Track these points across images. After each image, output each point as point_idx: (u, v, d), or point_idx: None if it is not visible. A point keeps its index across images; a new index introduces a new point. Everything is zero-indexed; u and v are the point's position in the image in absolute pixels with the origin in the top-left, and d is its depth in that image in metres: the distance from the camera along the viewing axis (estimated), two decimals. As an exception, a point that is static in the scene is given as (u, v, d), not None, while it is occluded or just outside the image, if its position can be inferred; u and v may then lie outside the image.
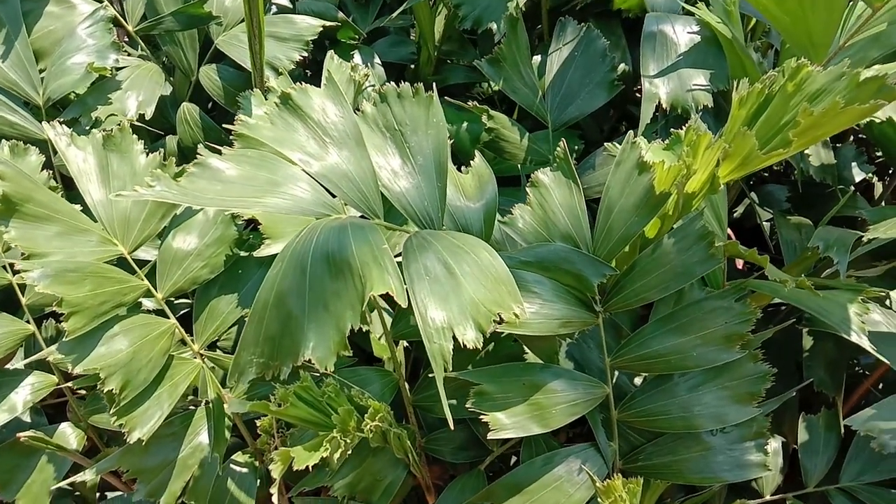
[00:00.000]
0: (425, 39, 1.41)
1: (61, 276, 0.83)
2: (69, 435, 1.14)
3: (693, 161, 0.77)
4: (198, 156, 0.72)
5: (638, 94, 1.53)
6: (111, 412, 0.87)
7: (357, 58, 1.32)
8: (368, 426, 0.79)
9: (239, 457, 1.09)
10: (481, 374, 0.92)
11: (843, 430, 1.08)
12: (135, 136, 0.94)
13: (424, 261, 0.73)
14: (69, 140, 0.92)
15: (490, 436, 0.90)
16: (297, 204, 0.72)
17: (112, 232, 0.92)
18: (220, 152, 0.73)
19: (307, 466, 1.14)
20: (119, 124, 0.93)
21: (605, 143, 1.00)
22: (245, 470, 1.07)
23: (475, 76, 1.46)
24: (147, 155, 0.95)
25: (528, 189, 0.90)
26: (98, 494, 1.25)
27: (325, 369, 0.67)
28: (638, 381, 1.03)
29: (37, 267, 0.82)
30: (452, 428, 0.72)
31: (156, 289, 0.95)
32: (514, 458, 1.26)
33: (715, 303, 0.87)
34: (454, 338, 0.70)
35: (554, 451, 0.97)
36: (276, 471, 0.72)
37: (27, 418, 1.22)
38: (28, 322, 1.06)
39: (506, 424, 0.89)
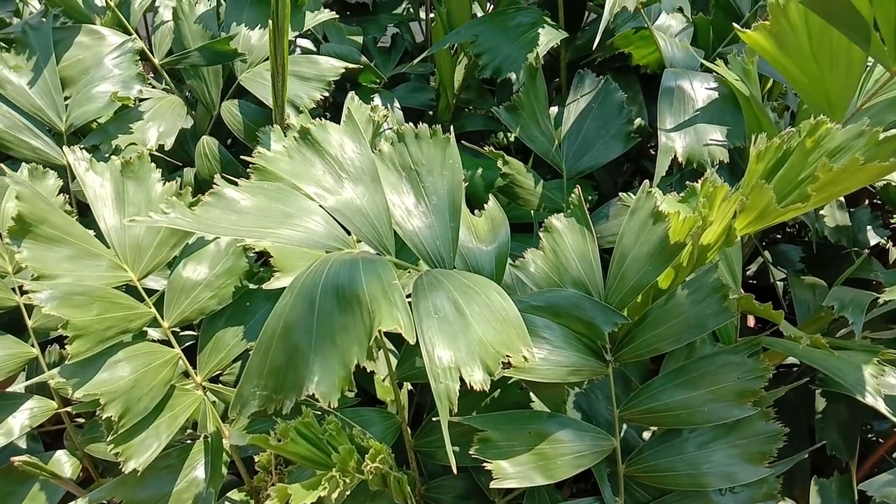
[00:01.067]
0: (445, 87, 1.43)
1: (69, 299, 0.83)
2: (64, 463, 1.12)
3: (709, 212, 0.77)
4: (214, 185, 0.72)
5: (653, 150, 1.54)
6: (108, 440, 0.85)
7: (377, 101, 1.33)
8: (369, 467, 0.77)
9: (234, 495, 1.06)
10: (486, 420, 0.91)
11: (856, 497, 1.05)
12: (153, 165, 0.95)
13: (434, 299, 0.73)
14: (88, 165, 0.93)
15: (493, 485, 0.88)
16: (310, 237, 0.72)
17: (123, 258, 0.92)
18: (236, 184, 0.73)
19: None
20: (139, 153, 0.93)
21: (620, 194, 1.00)
22: (240, 509, 1.05)
23: (492, 125, 1.48)
24: (164, 184, 0.95)
25: (540, 234, 0.90)
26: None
27: (329, 405, 0.66)
28: (646, 435, 1.00)
29: (45, 288, 0.82)
30: (455, 472, 0.71)
31: (163, 317, 0.94)
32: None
33: (727, 357, 0.85)
34: (461, 380, 0.69)
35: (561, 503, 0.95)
36: (298, 498, 0.70)
37: (23, 444, 1.21)
38: (33, 346, 1.05)
39: (510, 473, 0.87)
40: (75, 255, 0.87)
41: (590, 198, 1.16)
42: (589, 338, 0.85)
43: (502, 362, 0.68)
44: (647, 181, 0.84)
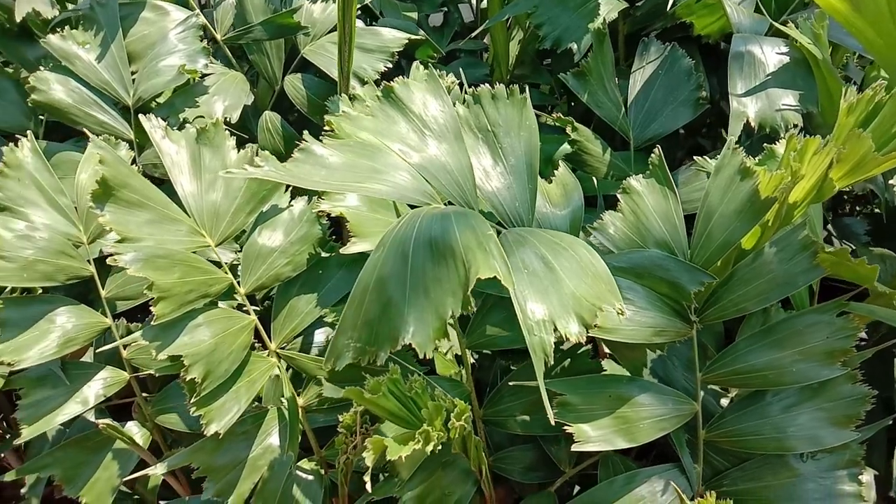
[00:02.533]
0: (499, 61, 1.43)
1: (152, 262, 0.83)
2: (135, 434, 1.13)
3: (800, 166, 0.75)
4: (302, 142, 0.72)
5: (706, 129, 1.52)
6: (191, 402, 0.86)
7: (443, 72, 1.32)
8: (455, 425, 0.76)
9: (305, 464, 1.07)
10: (565, 384, 0.90)
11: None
12: (227, 132, 0.96)
13: (522, 255, 0.72)
14: (164, 133, 0.94)
15: (574, 448, 0.87)
16: (398, 191, 0.72)
17: (201, 224, 0.92)
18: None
19: (378, 477, 1.13)
20: (214, 120, 0.94)
21: (695, 157, 0.98)
22: (311, 478, 1.05)
23: (547, 99, 1.46)
24: (238, 151, 0.96)
25: (619, 195, 0.89)
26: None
27: (424, 356, 0.66)
28: (724, 402, 0.99)
29: (129, 250, 0.82)
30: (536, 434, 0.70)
31: (239, 283, 0.95)
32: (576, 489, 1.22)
33: (815, 317, 0.84)
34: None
35: (636, 471, 0.94)
36: (368, 459, 0.70)
37: (91, 417, 1.22)
38: (105, 315, 1.06)
39: (591, 437, 0.86)
40: (155, 219, 0.88)
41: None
42: (673, 298, 0.84)
43: (597, 314, 0.67)
44: (731, 138, 0.82)
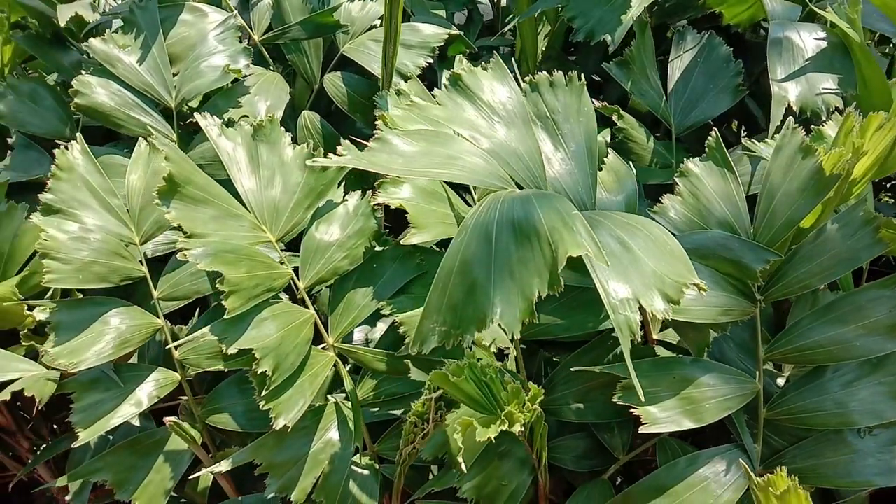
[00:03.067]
0: (527, 56, 1.44)
1: (220, 256, 0.84)
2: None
3: (862, 142, 0.77)
4: (377, 132, 0.73)
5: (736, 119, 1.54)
6: (262, 395, 0.86)
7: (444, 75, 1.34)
8: (532, 408, 0.77)
9: (359, 459, 1.07)
10: (627, 367, 0.90)
11: None
12: (282, 129, 0.96)
13: (598, 236, 0.73)
14: (220, 130, 0.94)
15: (642, 430, 0.88)
16: (475, 175, 0.72)
17: (261, 219, 0.93)
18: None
19: (428, 473, 1.13)
20: (270, 116, 0.95)
21: (743, 140, 1.00)
22: (366, 472, 1.06)
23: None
24: (293, 147, 0.96)
25: (676, 179, 0.90)
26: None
27: (512, 337, 0.66)
28: (780, 381, 1.00)
29: (198, 245, 0.83)
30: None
31: (298, 278, 0.95)
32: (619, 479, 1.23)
33: (876, 293, 0.85)
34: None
35: (698, 453, 0.95)
36: (455, 441, 0.71)
37: (136, 422, 1.22)
38: (157, 316, 1.06)
39: (659, 418, 0.87)
40: (219, 215, 0.88)
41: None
42: (737, 278, 0.85)
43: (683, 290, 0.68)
44: (790, 118, 0.84)
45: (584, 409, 1.06)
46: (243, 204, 0.93)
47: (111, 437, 1.25)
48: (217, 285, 0.82)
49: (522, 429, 0.73)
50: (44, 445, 1.45)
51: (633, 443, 1.09)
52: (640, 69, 1.14)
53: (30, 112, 1.28)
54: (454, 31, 1.21)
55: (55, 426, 1.53)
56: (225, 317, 0.83)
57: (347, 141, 0.70)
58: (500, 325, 0.67)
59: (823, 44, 1.09)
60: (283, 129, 0.97)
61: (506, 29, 1.31)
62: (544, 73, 0.87)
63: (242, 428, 1.10)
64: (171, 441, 1.12)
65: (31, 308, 1.18)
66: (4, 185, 1.15)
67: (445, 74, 0.94)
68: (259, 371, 0.85)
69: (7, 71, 1.31)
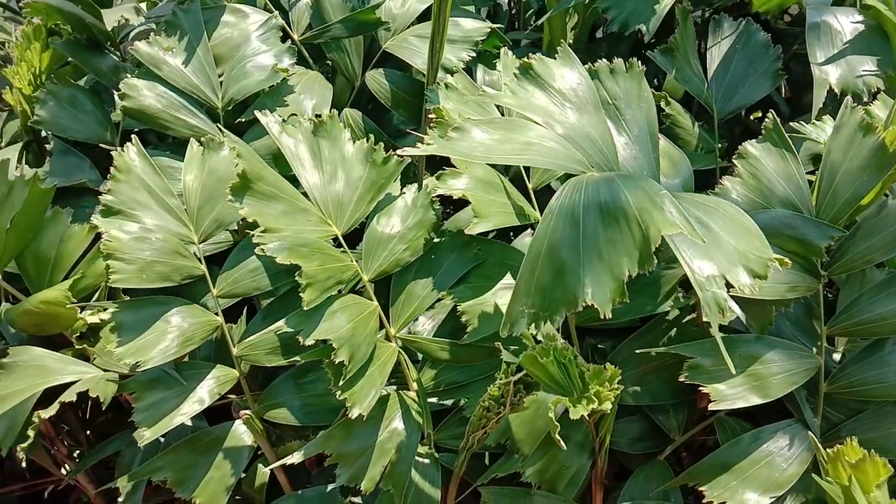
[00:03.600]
0: (555, 49, 1.45)
1: (296, 250, 0.85)
2: (243, 433, 1.14)
3: (923, 119, 0.79)
4: (458, 122, 0.75)
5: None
6: (339, 384, 0.87)
7: (499, 66, 1.35)
8: (613, 388, 0.79)
9: (420, 448, 1.08)
10: (695, 347, 0.93)
11: None
12: (342, 124, 0.98)
13: (676, 217, 0.75)
14: (280, 127, 0.95)
15: (711, 407, 0.90)
16: (555, 159, 0.74)
17: (326, 213, 0.94)
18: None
19: (483, 461, 1.14)
20: (329, 113, 0.96)
21: (791, 123, 1.02)
22: (427, 461, 1.07)
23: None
24: (353, 142, 0.98)
25: (735, 161, 0.92)
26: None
27: (603, 316, 0.68)
28: (836, 356, 1.02)
29: (273, 240, 0.84)
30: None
31: (362, 270, 0.97)
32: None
33: (938, 265, 0.87)
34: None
35: (761, 429, 0.97)
36: (546, 417, 0.72)
37: (188, 422, 1.23)
38: (217, 314, 1.07)
39: (727, 395, 0.89)
40: (289, 210, 0.90)
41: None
42: (802, 255, 0.87)
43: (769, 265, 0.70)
44: (848, 97, 0.86)
45: (641, 391, 1.08)
46: (308, 199, 0.94)
47: (162, 439, 1.26)
48: (297, 277, 0.83)
49: (609, 406, 0.75)
50: (78, 451, 1.45)
51: (688, 423, 1.11)
52: (682, 56, 1.16)
53: (70, 117, 1.28)
54: (493, 25, 1.23)
55: (87, 431, 1.53)
56: (304, 308, 0.84)
57: (432, 131, 0.71)
58: (592, 304, 0.68)
59: (861, 27, 1.12)
60: (342, 124, 0.98)
61: (540, 21, 1.32)
62: (604, 60, 0.89)
63: (300, 422, 1.11)
64: (231, 438, 1.13)
65: (82, 310, 1.19)
66: (51, 191, 1.15)
67: (513, 65, 0.96)
68: (337, 361, 0.86)
69: (44, 77, 1.32)
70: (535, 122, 0.77)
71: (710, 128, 1.16)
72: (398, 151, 0.74)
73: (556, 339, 0.78)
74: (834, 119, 1.04)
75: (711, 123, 1.16)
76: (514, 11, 1.73)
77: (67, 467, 1.46)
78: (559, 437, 0.74)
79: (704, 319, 1.11)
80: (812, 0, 1.18)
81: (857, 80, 1.08)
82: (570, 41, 1.49)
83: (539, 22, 1.34)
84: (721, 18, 1.22)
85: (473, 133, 0.74)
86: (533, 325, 0.71)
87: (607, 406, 0.74)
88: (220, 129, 0.90)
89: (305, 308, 0.84)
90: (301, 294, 0.84)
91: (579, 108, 0.80)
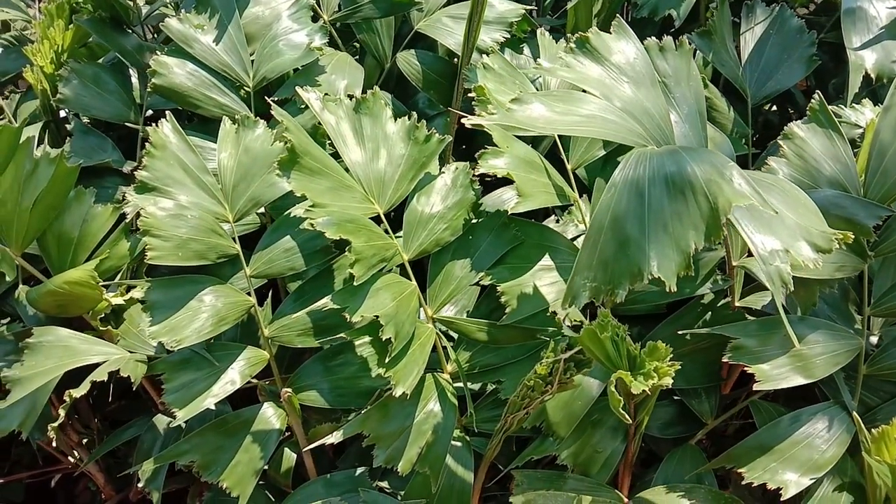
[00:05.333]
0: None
1: (343, 226, 0.84)
2: (270, 416, 1.13)
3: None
4: (518, 94, 0.74)
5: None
6: (385, 362, 0.86)
7: (526, 51, 1.35)
8: (672, 364, 0.78)
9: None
10: (737, 328, 0.93)
11: None
12: (383, 101, 0.97)
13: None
14: (321, 104, 0.94)
15: (756, 387, 0.90)
16: (617, 132, 0.74)
17: (369, 191, 0.93)
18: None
19: (512, 446, 1.13)
20: (372, 90, 0.95)
21: (830, 108, 1.02)
22: (459, 444, 1.06)
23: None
24: (394, 120, 0.97)
25: (780, 142, 0.92)
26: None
27: (669, 289, 0.68)
28: (873, 339, 1.02)
29: (321, 214, 0.83)
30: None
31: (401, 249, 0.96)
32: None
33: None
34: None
35: (800, 410, 0.97)
36: (616, 393, 0.72)
37: (212, 406, 1.21)
38: (249, 294, 1.06)
39: (772, 375, 0.89)
40: (333, 186, 0.89)
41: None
42: (850, 234, 0.87)
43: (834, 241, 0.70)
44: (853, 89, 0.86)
45: (675, 375, 1.07)
46: (351, 176, 0.93)
47: (183, 425, 1.25)
48: (347, 253, 0.82)
49: (670, 382, 0.74)
50: (86, 439, 1.43)
51: (721, 408, 1.12)
52: (719, 39, 1.16)
53: (94, 96, 1.27)
54: (527, 6, 1.22)
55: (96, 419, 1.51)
56: (354, 284, 0.84)
57: (502, 99, 0.70)
58: (657, 276, 0.68)
59: None
60: (384, 101, 0.97)
61: (570, 5, 1.32)
62: (653, 38, 0.88)
63: (330, 405, 1.10)
64: (259, 421, 1.12)
65: (108, 290, 1.18)
66: (76, 169, 1.13)
67: (551, 45, 0.95)
68: (384, 337, 0.85)
69: (65, 56, 1.30)
70: (594, 95, 0.77)
71: (743, 112, 1.16)
72: (463, 121, 0.73)
73: (607, 315, 0.77)
74: (872, 103, 1.05)
75: (745, 108, 1.16)
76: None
77: (77, 454, 1.44)
78: (623, 412, 0.73)
79: (737, 305, 1.12)
80: (845, -14, 1.18)
81: (893, 65, 1.09)
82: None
83: (570, 5, 1.33)
84: (754, 3, 1.22)
85: (534, 105, 0.74)
86: (594, 298, 0.70)
87: (667, 381, 0.74)
88: (270, 102, 0.88)
89: (356, 283, 0.83)
90: (350, 269, 0.83)
91: (636, 82, 0.80)
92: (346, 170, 0.93)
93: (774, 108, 1.54)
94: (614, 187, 0.71)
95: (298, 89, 0.94)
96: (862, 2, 1.12)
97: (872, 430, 0.92)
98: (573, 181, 1.03)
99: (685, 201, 0.68)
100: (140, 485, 1.19)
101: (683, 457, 1.09)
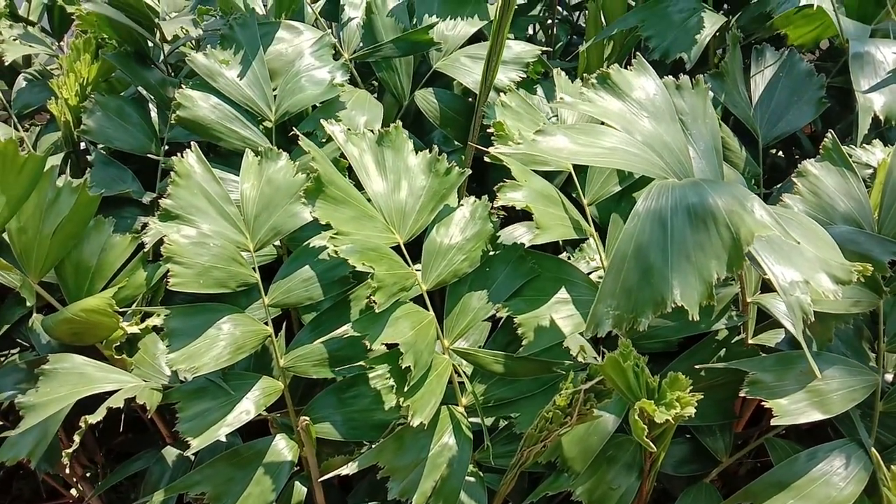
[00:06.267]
0: (591, 79, 1.49)
1: (366, 254, 0.85)
2: (283, 448, 1.12)
3: None
4: (541, 126, 0.76)
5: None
6: (403, 391, 0.87)
7: (539, 91, 1.38)
8: (694, 395, 0.79)
9: (464, 467, 1.07)
10: (754, 363, 0.93)
11: None
12: (405, 134, 0.99)
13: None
14: (346, 136, 0.96)
15: (773, 422, 0.90)
16: (639, 164, 0.76)
17: (390, 221, 0.95)
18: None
19: (523, 482, 1.13)
20: (395, 125, 0.97)
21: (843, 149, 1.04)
22: (473, 480, 1.06)
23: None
24: (416, 153, 0.99)
25: (794, 179, 0.94)
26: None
27: (691, 317, 0.69)
28: (888, 377, 1.03)
29: (345, 242, 0.84)
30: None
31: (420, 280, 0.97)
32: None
33: None
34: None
35: (817, 448, 0.97)
36: (640, 422, 0.72)
37: (223, 438, 1.21)
38: (266, 324, 1.07)
39: (789, 410, 0.89)
40: (356, 216, 0.90)
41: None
42: (865, 271, 0.88)
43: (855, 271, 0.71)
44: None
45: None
46: (373, 206, 0.94)
47: (192, 457, 1.24)
48: (369, 280, 0.83)
49: (692, 411, 0.75)
50: (90, 473, 1.42)
51: (735, 446, 1.11)
52: (731, 81, 1.19)
53: (117, 128, 1.29)
54: (542, 48, 1.26)
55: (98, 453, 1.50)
56: (375, 311, 0.84)
57: (528, 134, 0.72)
58: (680, 304, 0.69)
59: (903, 58, 1.15)
60: (405, 134, 0.99)
61: (583, 48, 1.35)
62: (670, 77, 0.91)
63: (343, 437, 1.09)
64: (271, 452, 1.11)
65: (124, 319, 1.18)
66: (97, 198, 1.15)
67: (566, 85, 0.98)
68: (404, 365, 0.86)
69: (90, 89, 1.32)
70: (615, 129, 0.79)
71: (754, 153, 1.18)
72: (491, 150, 0.75)
73: (628, 346, 0.78)
74: (883, 144, 1.07)
75: (756, 149, 1.19)
76: (544, 42, 1.77)
77: (80, 487, 1.43)
78: (647, 440, 0.73)
79: (750, 342, 1.12)
80: (852, 33, 1.21)
81: (901, 109, 1.11)
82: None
83: (584, 48, 1.37)
84: (763, 48, 1.26)
85: (557, 137, 0.76)
86: (617, 326, 0.71)
87: (690, 411, 0.74)
88: (297, 133, 0.91)
89: (377, 311, 0.84)
90: (372, 297, 0.84)
91: (656, 117, 0.82)
92: (369, 200, 0.95)
93: (781, 153, 1.57)
94: (637, 217, 0.72)
95: (323, 122, 0.96)
96: (869, 46, 1.15)
97: (893, 466, 0.92)
98: (588, 217, 1.05)
99: (707, 231, 0.70)
100: (148, 516, 1.18)
101: (699, 495, 1.08)
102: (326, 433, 1.10)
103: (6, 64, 1.49)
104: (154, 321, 1.10)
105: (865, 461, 0.95)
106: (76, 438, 1.00)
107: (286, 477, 1.11)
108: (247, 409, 1.05)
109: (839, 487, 0.93)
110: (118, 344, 1.17)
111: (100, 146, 1.35)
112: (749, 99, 1.21)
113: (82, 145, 1.43)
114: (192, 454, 1.16)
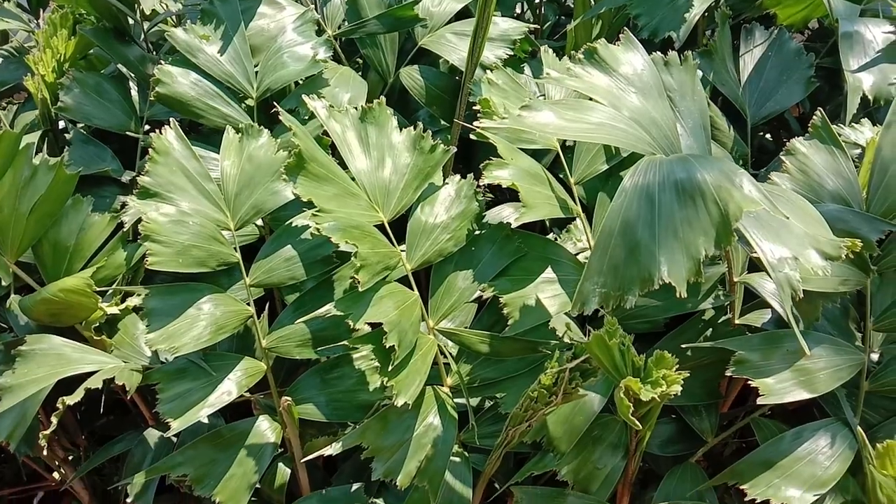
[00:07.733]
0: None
1: (349, 232, 0.84)
2: (265, 429, 1.11)
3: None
4: (527, 100, 0.74)
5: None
6: (387, 370, 0.85)
7: (527, 70, 1.36)
8: (670, 376, 0.78)
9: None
10: (740, 342, 0.93)
11: None
12: (389, 111, 0.97)
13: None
14: (328, 112, 0.94)
15: (759, 401, 0.90)
16: (626, 139, 0.74)
17: (374, 199, 0.93)
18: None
19: (509, 462, 1.12)
20: (378, 101, 0.95)
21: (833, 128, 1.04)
22: (458, 460, 1.05)
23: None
24: (399, 130, 0.97)
25: (783, 157, 0.93)
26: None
27: (679, 294, 0.68)
28: (874, 356, 1.02)
29: (327, 220, 0.83)
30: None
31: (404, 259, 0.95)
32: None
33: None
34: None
35: (802, 427, 0.97)
36: (625, 400, 0.71)
37: (205, 419, 1.19)
38: (248, 304, 1.05)
39: (776, 389, 0.89)
40: (339, 193, 0.88)
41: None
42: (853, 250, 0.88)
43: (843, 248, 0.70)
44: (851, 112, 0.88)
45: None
46: (356, 184, 0.93)
47: (174, 439, 1.22)
48: (353, 259, 0.81)
49: (679, 389, 0.74)
50: (72, 456, 1.40)
51: (721, 426, 1.11)
52: (720, 60, 1.18)
53: (95, 105, 1.26)
54: (529, 26, 1.24)
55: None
56: (358, 290, 0.83)
57: (514, 110, 0.70)
58: (668, 281, 0.68)
59: (892, 37, 1.14)
60: (390, 111, 0.97)
61: (570, 27, 1.34)
62: (658, 53, 0.89)
63: (327, 418, 1.08)
64: (254, 434, 1.10)
65: (104, 299, 1.16)
66: (75, 177, 1.12)
67: (554, 62, 0.96)
68: (388, 345, 0.84)
69: (67, 66, 1.29)
70: (602, 104, 0.77)
71: (743, 132, 1.17)
72: (475, 124, 0.73)
73: (614, 324, 0.77)
74: (871, 123, 1.06)
75: (744, 128, 1.18)
76: (532, 22, 1.75)
77: (62, 471, 1.41)
78: (633, 417, 0.72)
79: (736, 322, 1.12)
80: (842, 12, 1.20)
81: (890, 87, 1.10)
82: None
83: (572, 26, 1.35)
84: (753, 27, 1.24)
85: (543, 112, 0.74)
86: (604, 304, 0.70)
87: (676, 389, 0.73)
88: (279, 109, 0.88)
89: (360, 290, 0.83)
90: (355, 276, 0.82)
91: (644, 93, 0.80)
92: (352, 178, 0.93)
93: (769, 135, 1.56)
94: (624, 193, 0.71)
95: (305, 98, 0.94)
96: (859, 26, 1.14)
97: (878, 445, 0.92)
98: (576, 196, 1.03)
99: (695, 207, 0.69)
100: (129, 500, 1.17)
101: (684, 475, 1.08)
102: (310, 414, 1.09)
103: (-18, 40, 1.46)
104: (134, 301, 1.08)
105: (851, 440, 0.95)
106: (53, 420, 0.98)
107: (269, 458, 1.09)
108: (228, 389, 1.04)
109: (824, 466, 0.93)
110: (97, 325, 1.14)
111: (79, 125, 1.32)
112: (738, 78, 1.20)
113: (61, 124, 1.40)
114: (174, 436, 1.15)
